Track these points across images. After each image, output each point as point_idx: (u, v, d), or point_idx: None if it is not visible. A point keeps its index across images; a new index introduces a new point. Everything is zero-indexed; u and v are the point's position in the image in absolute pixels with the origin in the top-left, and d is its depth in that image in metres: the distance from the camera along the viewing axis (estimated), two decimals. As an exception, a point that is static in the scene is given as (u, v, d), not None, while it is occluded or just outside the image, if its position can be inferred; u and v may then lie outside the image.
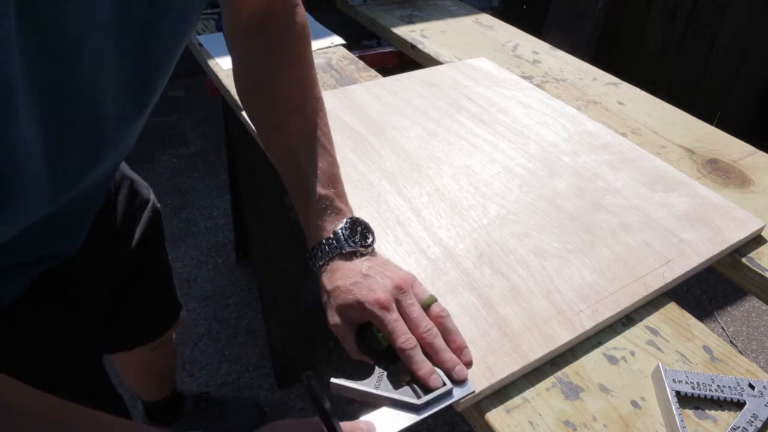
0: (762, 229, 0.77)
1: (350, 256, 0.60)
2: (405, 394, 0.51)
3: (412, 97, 1.03)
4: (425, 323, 0.54)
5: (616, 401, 0.56)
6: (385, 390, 0.51)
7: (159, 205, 0.97)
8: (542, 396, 0.56)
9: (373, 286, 0.55)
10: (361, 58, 1.29)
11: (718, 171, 0.91)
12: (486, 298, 0.64)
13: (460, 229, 0.73)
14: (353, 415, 0.49)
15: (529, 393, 0.56)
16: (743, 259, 0.74)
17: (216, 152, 2.52)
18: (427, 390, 0.51)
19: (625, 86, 1.16)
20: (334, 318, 0.57)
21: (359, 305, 0.55)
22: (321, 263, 0.60)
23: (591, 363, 0.60)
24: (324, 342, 1.67)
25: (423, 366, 0.52)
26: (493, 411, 0.54)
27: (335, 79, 1.14)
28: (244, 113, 0.79)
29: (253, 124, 0.69)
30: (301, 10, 0.69)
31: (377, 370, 0.53)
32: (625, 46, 2.62)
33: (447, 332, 0.55)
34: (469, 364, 0.55)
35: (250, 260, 1.92)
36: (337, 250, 0.60)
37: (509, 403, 0.55)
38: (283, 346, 1.53)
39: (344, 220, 0.62)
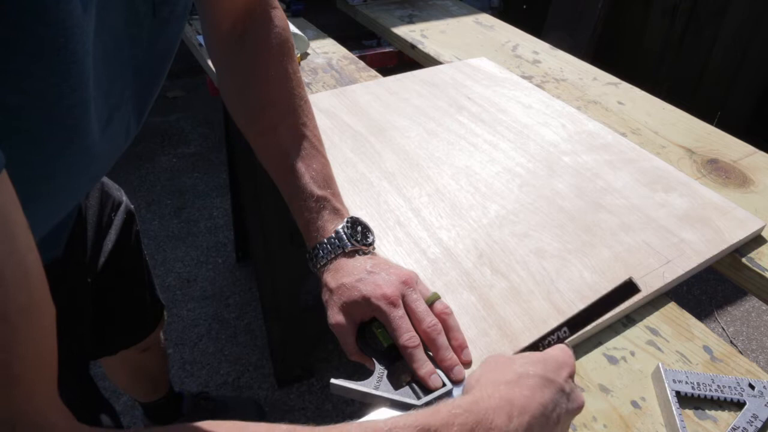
0: (762, 229, 0.77)
1: (352, 254, 0.60)
2: (405, 395, 0.51)
3: (412, 97, 1.03)
4: (430, 318, 0.55)
5: (616, 401, 0.56)
6: (385, 390, 0.51)
7: (132, 206, 0.96)
8: (542, 396, 0.56)
9: (379, 281, 0.56)
10: (361, 58, 1.29)
11: (718, 171, 0.91)
12: (486, 299, 0.64)
13: (460, 230, 0.73)
14: (353, 416, 0.49)
15: (529, 393, 0.56)
16: (743, 259, 0.74)
17: (216, 152, 2.52)
18: (427, 390, 0.51)
19: (625, 86, 1.16)
20: (336, 316, 0.57)
21: (365, 301, 0.55)
22: (323, 263, 0.60)
23: (591, 363, 0.60)
24: (324, 342, 1.67)
25: (424, 365, 0.52)
26: (493, 411, 0.54)
27: (335, 79, 1.14)
28: None
29: (242, 130, 0.69)
30: (279, 12, 0.69)
31: (377, 370, 0.53)
32: (625, 46, 2.62)
33: (449, 329, 0.56)
34: (468, 364, 0.55)
35: (250, 260, 1.92)
36: (339, 249, 0.60)
37: (509, 403, 0.55)
38: (283, 346, 1.53)
39: (345, 220, 0.62)
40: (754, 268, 0.73)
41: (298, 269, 1.39)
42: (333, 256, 0.60)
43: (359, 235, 0.61)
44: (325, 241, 0.61)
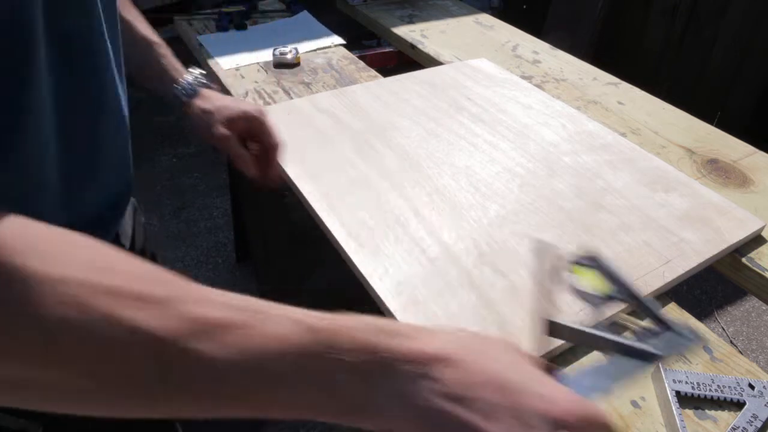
0: (762, 229, 0.77)
1: (210, 89, 0.78)
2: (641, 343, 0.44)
3: (413, 97, 1.03)
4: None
5: (616, 401, 0.56)
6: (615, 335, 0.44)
7: (133, 198, 0.97)
8: (542, 396, 0.56)
9: (247, 104, 0.77)
10: (361, 58, 1.29)
11: (718, 171, 0.91)
12: (486, 298, 0.64)
13: (460, 229, 0.73)
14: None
15: (529, 393, 0.56)
16: (743, 259, 0.74)
17: (216, 152, 2.51)
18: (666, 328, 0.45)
19: (625, 86, 1.16)
20: (221, 130, 0.73)
21: (244, 114, 0.73)
22: (197, 91, 0.75)
23: (591, 363, 0.60)
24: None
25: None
26: (493, 411, 0.54)
27: (335, 79, 1.14)
28: None
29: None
30: None
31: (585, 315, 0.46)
32: (625, 46, 2.62)
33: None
34: None
35: (250, 260, 1.92)
36: (204, 83, 0.77)
37: (509, 403, 0.55)
38: (283, 346, 1.52)
39: (191, 66, 0.79)
40: (754, 268, 0.73)
41: (298, 269, 1.39)
42: (200, 87, 0.76)
43: (206, 77, 0.78)
44: (191, 78, 0.76)
